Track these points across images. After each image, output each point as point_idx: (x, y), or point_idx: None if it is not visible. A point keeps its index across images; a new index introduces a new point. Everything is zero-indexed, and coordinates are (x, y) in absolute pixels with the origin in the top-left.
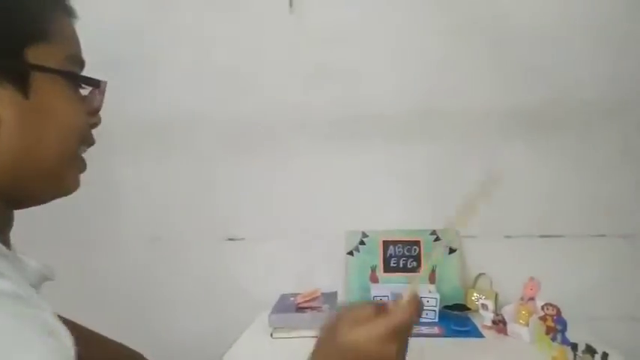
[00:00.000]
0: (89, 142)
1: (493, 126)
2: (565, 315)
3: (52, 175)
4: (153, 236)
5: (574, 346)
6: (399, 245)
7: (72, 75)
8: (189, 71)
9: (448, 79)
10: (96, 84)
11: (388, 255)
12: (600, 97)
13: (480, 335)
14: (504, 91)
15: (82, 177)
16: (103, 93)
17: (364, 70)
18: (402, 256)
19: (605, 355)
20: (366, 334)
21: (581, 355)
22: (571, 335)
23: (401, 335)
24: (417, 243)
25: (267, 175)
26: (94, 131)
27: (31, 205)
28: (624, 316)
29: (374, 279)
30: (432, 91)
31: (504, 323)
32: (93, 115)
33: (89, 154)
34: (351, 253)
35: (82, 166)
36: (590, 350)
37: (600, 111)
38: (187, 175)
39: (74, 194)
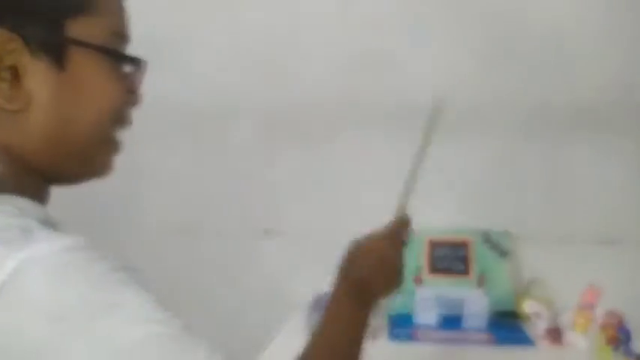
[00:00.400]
0: (126, 122)
1: (555, 122)
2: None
3: (85, 155)
4: (183, 228)
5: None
6: (447, 246)
7: (112, 52)
8: (226, 55)
9: (506, 70)
10: (135, 63)
11: (434, 255)
12: None
13: (532, 344)
14: (568, 85)
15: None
16: (142, 73)
17: (413, 58)
18: (449, 257)
19: None
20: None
21: None
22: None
23: (390, 240)
24: (466, 244)
25: (306, 167)
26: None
27: (64, 184)
28: None
29: (418, 281)
30: (490, 82)
31: (560, 332)
32: (132, 94)
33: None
34: None
35: (116, 148)
36: None
37: None
38: (221, 165)
39: (104, 181)
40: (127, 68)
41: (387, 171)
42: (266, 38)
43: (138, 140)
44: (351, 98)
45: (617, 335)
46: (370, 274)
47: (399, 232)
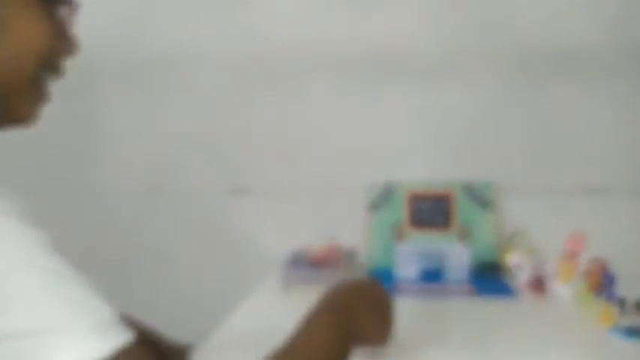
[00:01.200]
0: (56, 70)
1: (539, 69)
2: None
3: (4, 100)
4: (150, 187)
5: (622, 302)
6: (428, 198)
7: None
8: None
9: (488, 13)
10: (67, 4)
11: (415, 209)
12: None
13: (515, 295)
14: (552, 27)
15: (68, 118)
16: (73, 15)
17: (393, 4)
18: (430, 210)
19: None
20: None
21: (630, 310)
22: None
23: (384, 289)
24: (447, 196)
25: (279, 119)
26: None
27: None
28: None
29: (399, 236)
30: (470, 26)
31: (542, 282)
32: (64, 40)
33: (76, 93)
34: (373, 206)
35: (41, 96)
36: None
37: None
38: (189, 118)
39: (59, 137)
40: (62, 11)
41: (363, 122)
42: None
43: (99, 93)
44: (328, 45)
45: (601, 281)
46: (360, 307)
47: (384, 288)
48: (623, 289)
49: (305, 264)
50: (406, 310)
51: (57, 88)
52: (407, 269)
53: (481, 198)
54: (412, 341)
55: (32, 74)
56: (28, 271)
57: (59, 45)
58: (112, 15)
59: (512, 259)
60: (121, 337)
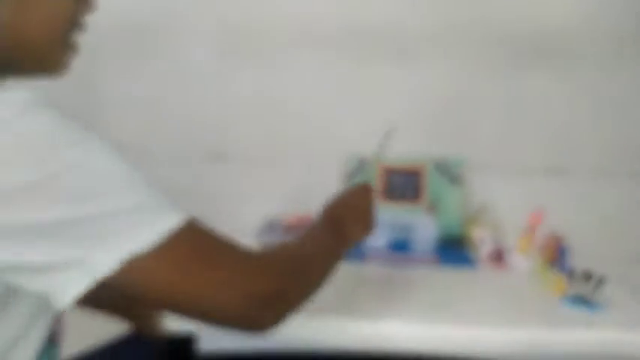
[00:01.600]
0: (80, 27)
1: (515, 48)
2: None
3: (39, 53)
4: (129, 150)
5: (571, 273)
6: (401, 172)
7: None
8: None
9: None
10: None
11: (388, 182)
12: (628, 26)
13: (477, 267)
14: (530, 10)
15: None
16: None
17: None
18: (402, 184)
19: (600, 281)
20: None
21: (577, 280)
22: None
23: (364, 192)
24: (419, 171)
25: (260, 89)
26: None
27: (15, 76)
28: (634, 257)
29: None
30: (449, 4)
31: (502, 254)
32: (83, 1)
33: None
34: (347, 177)
35: (72, 49)
36: (586, 276)
37: (627, 41)
38: (171, 84)
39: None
40: None
41: (341, 94)
42: None
43: (86, 58)
44: (311, 17)
45: (556, 254)
46: (347, 216)
47: (369, 188)
48: (579, 262)
49: (278, 231)
50: (374, 276)
51: None
52: (376, 239)
53: (451, 174)
54: (378, 305)
55: (65, 33)
56: (111, 161)
57: (81, 6)
58: None
59: (476, 232)
60: (184, 211)
